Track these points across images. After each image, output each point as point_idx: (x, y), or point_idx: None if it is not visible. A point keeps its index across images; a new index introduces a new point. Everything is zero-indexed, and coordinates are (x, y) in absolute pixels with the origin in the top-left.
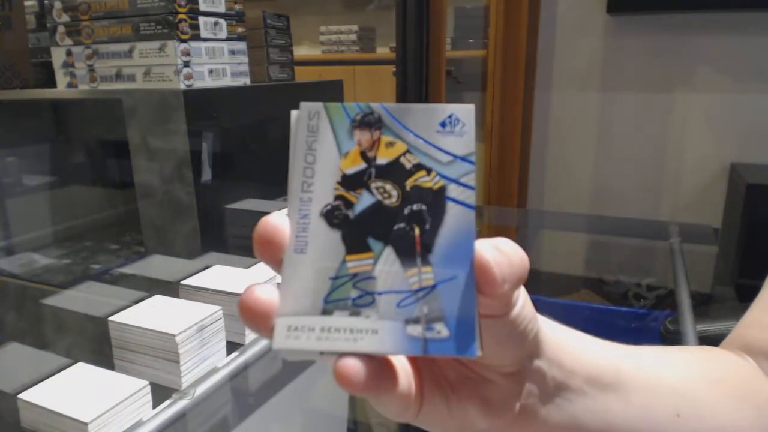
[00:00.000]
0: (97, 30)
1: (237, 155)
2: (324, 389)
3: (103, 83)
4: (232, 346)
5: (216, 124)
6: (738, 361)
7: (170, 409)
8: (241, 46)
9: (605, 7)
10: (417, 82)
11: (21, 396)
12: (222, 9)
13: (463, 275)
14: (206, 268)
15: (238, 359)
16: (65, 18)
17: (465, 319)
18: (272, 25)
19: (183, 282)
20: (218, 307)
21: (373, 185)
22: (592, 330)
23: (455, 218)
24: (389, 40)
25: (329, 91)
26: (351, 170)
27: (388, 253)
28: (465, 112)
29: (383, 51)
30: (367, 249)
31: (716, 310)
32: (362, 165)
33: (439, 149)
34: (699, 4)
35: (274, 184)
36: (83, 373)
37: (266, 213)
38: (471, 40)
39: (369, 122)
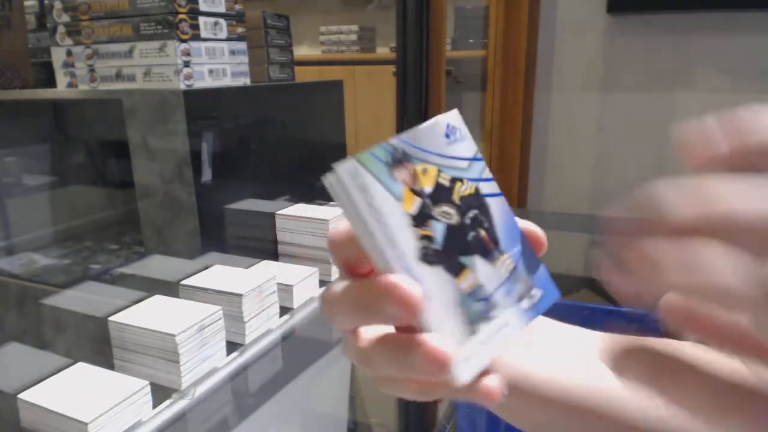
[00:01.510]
0: (97, 30)
1: (237, 155)
2: (324, 389)
3: (103, 83)
4: (232, 346)
5: (216, 124)
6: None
7: (170, 409)
8: (241, 46)
9: (605, 7)
10: (417, 82)
11: (21, 396)
12: (222, 9)
13: (522, 246)
14: (206, 268)
15: (238, 359)
16: (65, 18)
17: (541, 276)
18: (272, 25)
19: (183, 282)
20: (218, 307)
21: (435, 213)
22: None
23: (496, 208)
24: (389, 40)
25: (329, 91)
26: (414, 209)
27: (478, 261)
28: (454, 118)
29: (383, 51)
30: (463, 267)
31: None
32: (418, 200)
33: (456, 158)
34: (699, 3)
35: (275, 184)
36: (83, 373)
37: (266, 213)
38: (471, 40)
39: (400, 159)
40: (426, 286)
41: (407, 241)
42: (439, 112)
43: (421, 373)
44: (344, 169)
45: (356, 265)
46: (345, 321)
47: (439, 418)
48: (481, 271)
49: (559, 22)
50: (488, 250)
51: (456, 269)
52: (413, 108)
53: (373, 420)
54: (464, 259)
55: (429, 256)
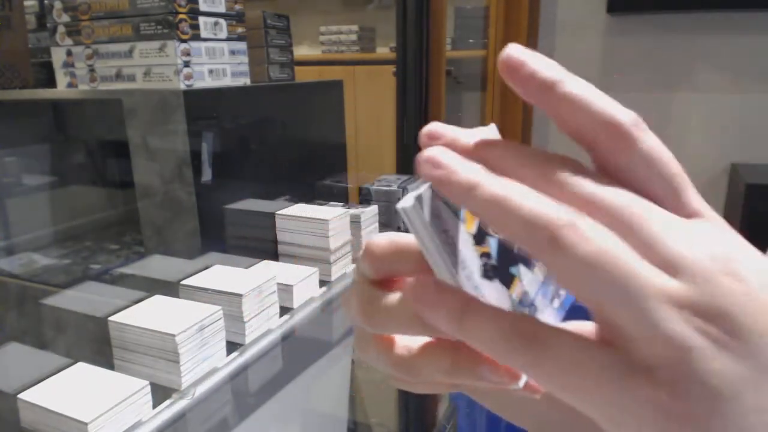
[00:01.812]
0: (97, 30)
1: (237, 155)
2: (324, 389)
3: (103, 83)
4: (232, 346)
5: (216, 124)
6: None
7: (170, 409)
8: (241, 46)
9: (605, 7)
10: (417, 82)
11: (21, 396)
12: (222, 9)
13: None
14: (206, 268)
15: (238, 359)
16: (65, 18)
17: None
18: (272, 25)
19: (183, 282)
20: (218, 307)
21: (489, 229)
22: None
23: None
24: (389, 40)
25: (329, 91)
26: (474, 229)
27: (522, 269)
28: (494, 131)
29: (383, 51)
30: (513, 277)
31: None
32: (476, 219)
33: None
34: (699, 3)
35: (275, 184)
36: (83, 373)
37: (266, 213)
38: (471, 40)
39: None
40: (491, 302)
41: (473, 260)
42: (439, 112)
43: (489, 383)
44: (417, 197)
45: (390, 276)
46: (398, 331)
47: (439, 418)
48: (526, 278)
49: (559, 22)
50: (527, 259)
51: (508, 280)
52: (413, 108)
53: (373, 420)
54: (513, 270)
55: (488, 272)
